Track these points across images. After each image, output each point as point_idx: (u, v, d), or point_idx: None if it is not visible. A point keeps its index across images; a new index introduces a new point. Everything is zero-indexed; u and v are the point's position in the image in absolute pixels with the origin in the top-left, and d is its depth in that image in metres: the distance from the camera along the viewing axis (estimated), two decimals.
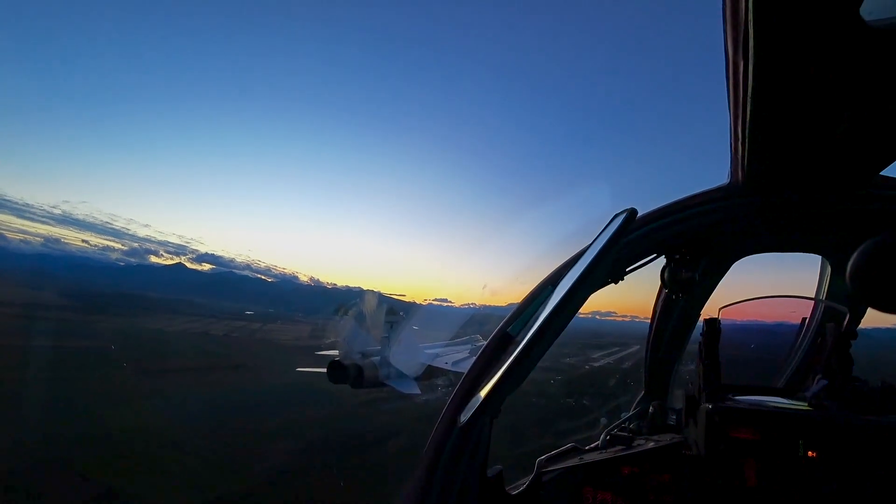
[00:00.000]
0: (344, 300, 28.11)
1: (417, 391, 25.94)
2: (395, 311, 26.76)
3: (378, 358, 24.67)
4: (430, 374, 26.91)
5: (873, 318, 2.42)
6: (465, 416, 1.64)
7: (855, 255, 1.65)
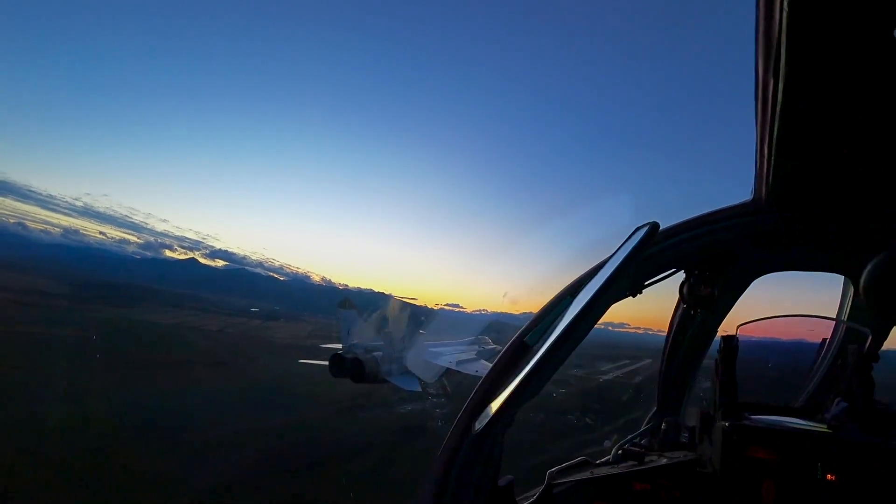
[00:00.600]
0: (353, 301, 27.51)
1: (419, 388, 25.48)
2: (395, 304, 26.79)
3: (381, 354, 24.33)
4: (439, 374, 26.25)
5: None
6: (479, 424, 1.63)
7: (868, 267, 1.65)
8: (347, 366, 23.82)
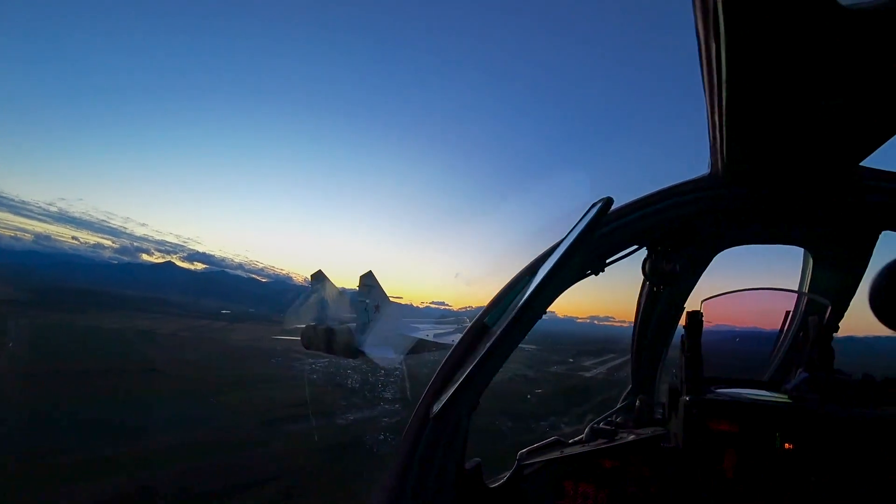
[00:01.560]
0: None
1: (395, 363, 25.10)
2: (370, 277, 24.92)
3: (354, 325, 23.56)
4: (413, 347, 25.35)
5: (876, 328, 2.32)
6: (437, 407, 1.63)
7: (874, 278, 1.67)
8: (319, 336, 22.62)
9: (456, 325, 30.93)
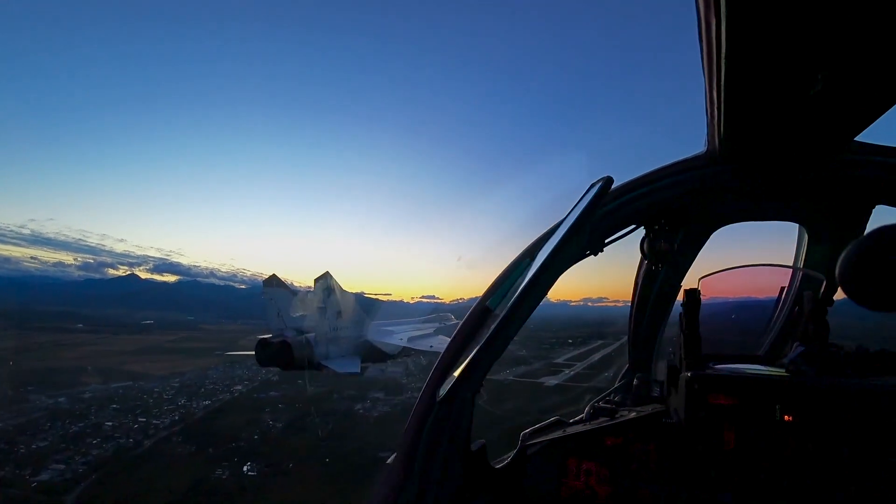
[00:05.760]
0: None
1: (358, 371, 23.20)
2: (328, 277, 22.90)
3: (314, 335, 21.64)
4: (385, 354, 23.97)
5: None
6: (443, 390, 1.66)
7: (842, 255, 1.67)
8: (274, 351, 20.70)
9: (438, 325, 29.64)
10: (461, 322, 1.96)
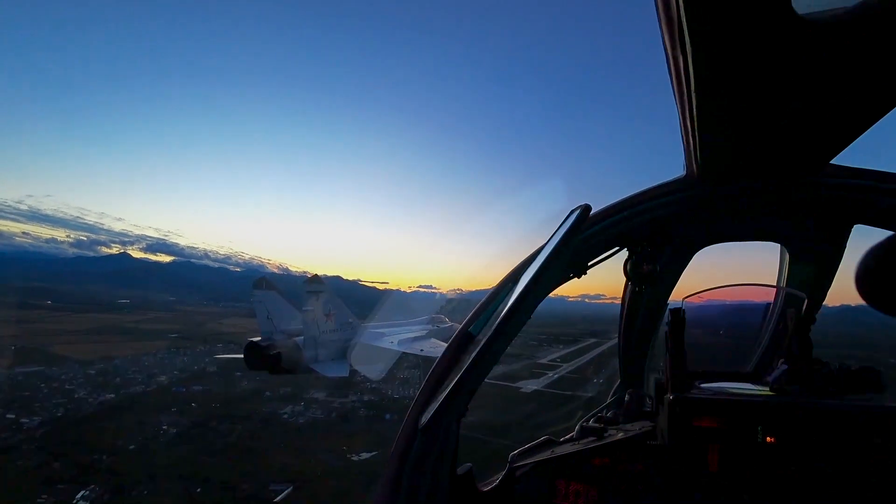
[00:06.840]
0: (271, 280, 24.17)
1: (347, 374, 23.23)
2: (319, 282, 22.92)
3: (302, 339, 21.55)
4: (377, 358, 23.36)
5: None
6: (425, 418, 1.66)
7: (859, 261, 1.68)
8: (262, 355, 20.61)
9: (431, 328, 29.14)
10: (444, 350, 1.95)
